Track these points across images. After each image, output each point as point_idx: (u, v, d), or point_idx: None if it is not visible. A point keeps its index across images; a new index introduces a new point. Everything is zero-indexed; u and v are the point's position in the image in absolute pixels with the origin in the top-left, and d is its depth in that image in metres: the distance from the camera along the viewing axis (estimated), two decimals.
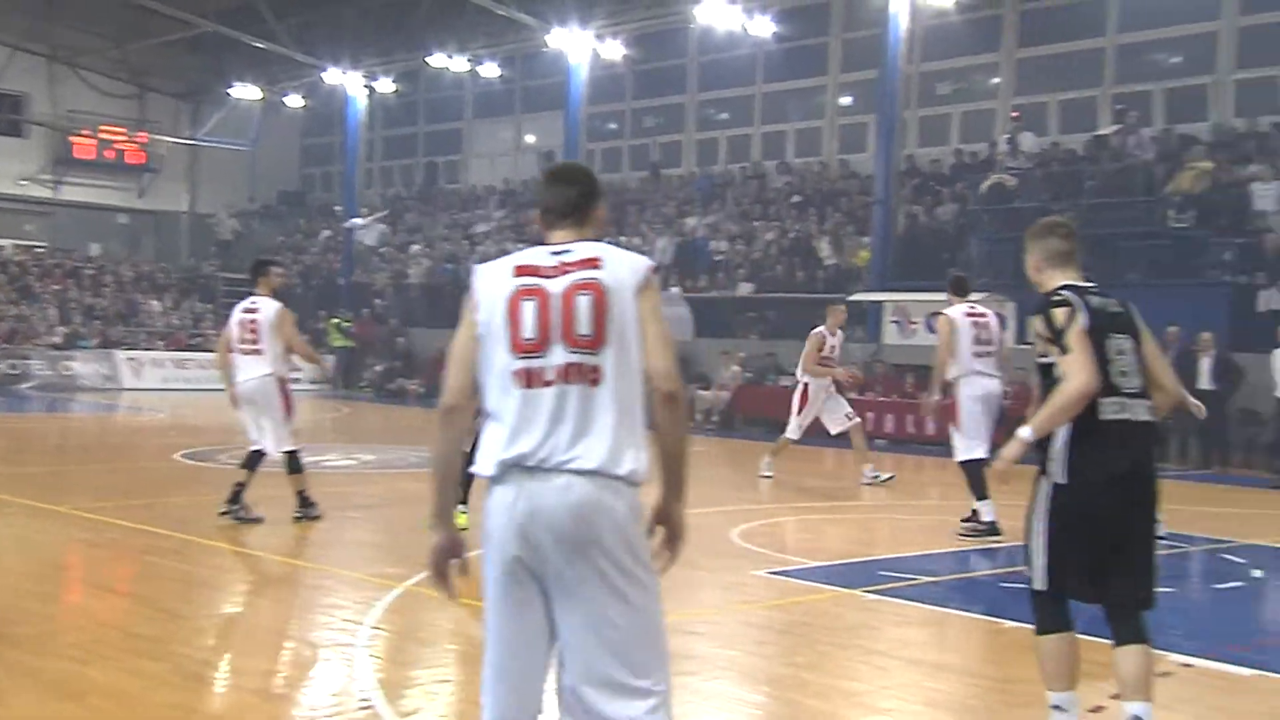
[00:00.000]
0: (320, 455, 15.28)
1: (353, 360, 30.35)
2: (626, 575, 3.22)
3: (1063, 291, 4.58)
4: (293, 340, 9.65)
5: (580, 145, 29.26)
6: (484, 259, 30.75)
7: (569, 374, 3.22)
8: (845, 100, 27.58)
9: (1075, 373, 4.39)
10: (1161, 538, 8.55)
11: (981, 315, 10.27)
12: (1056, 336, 4.48)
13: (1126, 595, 4.49)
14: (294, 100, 35.64)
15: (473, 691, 4.59)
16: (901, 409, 19.87)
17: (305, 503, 9.70)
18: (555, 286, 3.27)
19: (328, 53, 32.54)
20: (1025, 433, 4.49)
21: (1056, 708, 4.50)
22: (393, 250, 33.38)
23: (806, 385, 13.63)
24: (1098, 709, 5.15)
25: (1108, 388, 4.45)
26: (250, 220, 39.42)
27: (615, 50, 27.92)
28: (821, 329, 13.66)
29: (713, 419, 22.21)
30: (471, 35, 30.21)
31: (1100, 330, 4.49)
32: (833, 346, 13.74)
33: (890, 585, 8.00)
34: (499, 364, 3.27)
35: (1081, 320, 4.46)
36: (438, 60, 30.36)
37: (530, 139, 34.19)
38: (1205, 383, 15.38)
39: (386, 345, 30.45)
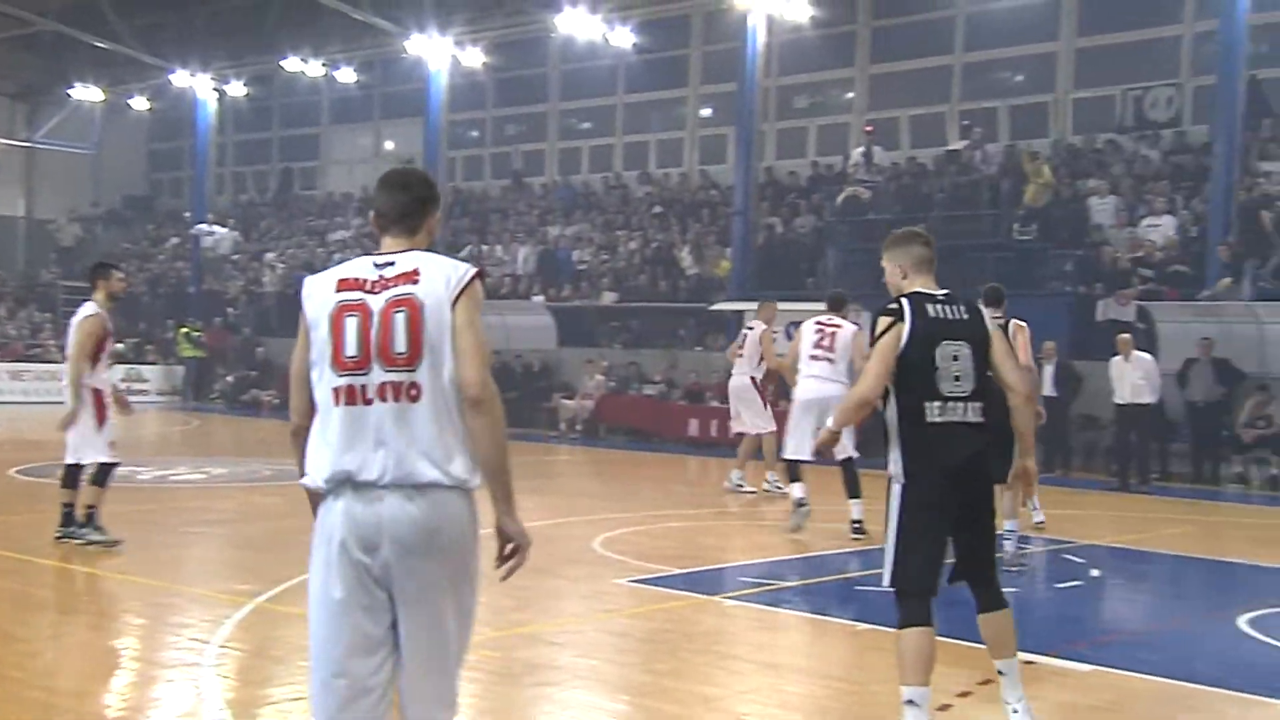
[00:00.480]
0: (167, 469, 14.76)
1: (203, 371, 29.41)
2: (459, 586, 3.33)
3: (900, 300, 4.85)
4: (81, 347, 8.81)
5: (441, 153, 28.95)
6: None
7: (387, 392, 3.27)
8: (706, 112, 27.92)
9: (864, 378, 4.87)
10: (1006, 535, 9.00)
11: (832, 325, 10.82)
12: (874, 340, 4.85)
13: (979, 566, 4.90)
14: (140, 102, 34.40)
15: None
16: None
17: (71, 520, 8.87)
18: (376, 303, 3.31)
19: (175, 54, 31.48)
20: (829, 421, 5.23)
21: (910, 702, 4.65)
22: (246, 258, 32.49)
23: (761, 384, 13.70)
24: (945, 707, 5.29)
25: (932, 392, 4.74)
26: (93, 226, 37.87)
27: (476, 58, 27.70)
28: (764, 326, 13.72)
29: (576, 428, 22.19)
30: (327, 39, 29.61)
31: (931, 337, 4.75)
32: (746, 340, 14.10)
33: (750, 591, 8.09)
34: (324, 380, 3.32)
35: (904, 330, 4.75)
36: (292, 64, 29.67)
37: (390, 146, 33.67)
38: (1048, 389, 15.99)
39: (239, 355, 29.60)
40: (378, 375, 3.28)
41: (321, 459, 3.31)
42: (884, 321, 4.80)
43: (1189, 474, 16.74)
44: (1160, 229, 18.96)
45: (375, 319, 3.29)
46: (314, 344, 3.35)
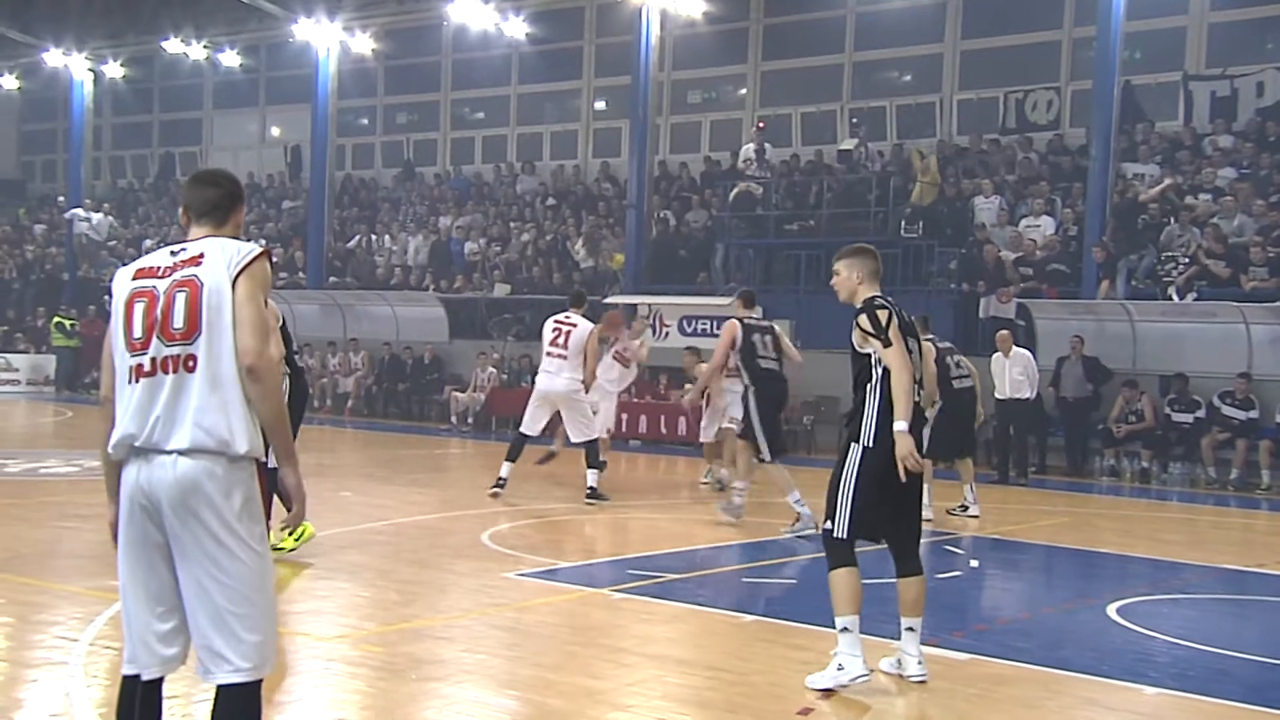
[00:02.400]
0: (38, 462, 14.23)
1: (77, 361, 28.41)
2: (224, 543, 3.58)
3: (881, 298, 5.71)
4: None
5: (329, 139, 28.40)
6: None
7: (168, 365, 3.60)
8: (600, 105, 27.89)
9: (902, 363, 5.55)
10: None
11: (569, 323, 12.18)
12: (879, 332, 5.58)
13: (909, 536, 5.86)
14: (9, 81, 33.09)
15: (204, 706, 4.34)
16: (654, 410, 20.24)
17: None
18: (162, 286, 3.65)
19: (48, 32, 30.35)
20: (900, 425, 5.52)
21: (845, 629, 5.53)
22: (122, 245, 31.45)
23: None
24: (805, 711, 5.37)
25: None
26: None
27: (365, 44, 27.26)
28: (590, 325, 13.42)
29: (468, 421, 21.99)
30: (210, 21, 28.85)
31: (906, 329, 5.72)
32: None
33: (637, 583, 8.11)
34: (120, 361, 3.70)
35: (896, 321, 5.62)
36: (173, 46, 28.82)
37: (276, 132, 32.92)
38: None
39: None
40: (157, 349, 3.61)
41: (116, 430, 3.69)
42: (885, 314, 5.61)
43: (1065, 467, 17.30)
44: (1040, 229, 19.52)
45: (160, 301, 3.63)
46: (111, 328, 3.74)
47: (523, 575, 8.25)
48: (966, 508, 12.22)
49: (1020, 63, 22.63)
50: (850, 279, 5.86)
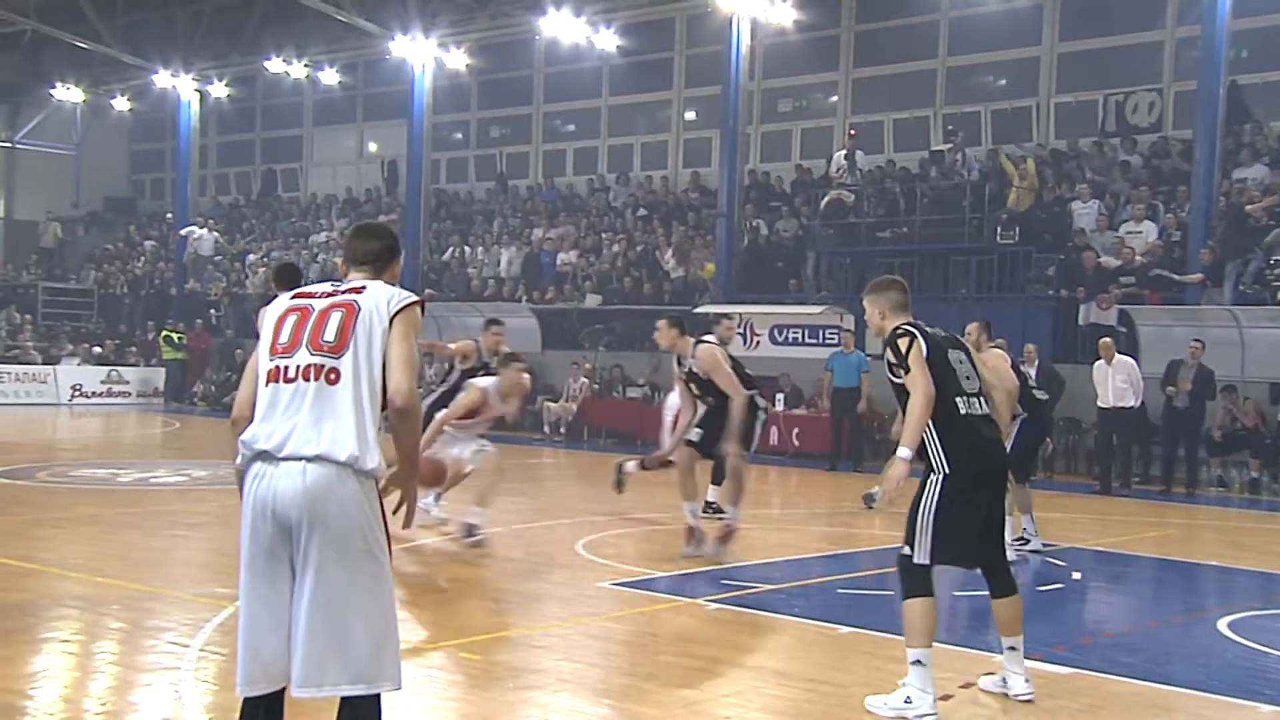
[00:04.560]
0: (148, 472, 14.68)
1: (185, 373, 29.28)
2: (348, 554, 3.59)
3: (904, 326, 5.66)
4: None
5: (425, 155, 28.89)
6: (324, 269, 29.74)
7: (310, 372, 3.64)
8: (690, 115, 27.93)
9: (920, 388, 5.49)
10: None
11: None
12: (900, 362, 5.56)
13: (997, 556, 5.76)
14: (121, 103, 34.26)
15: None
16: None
17: None
18: (318, 305, 3.76)
19: (157, 54, 31.34)
20: (903, 452, 5.47)
21: (918, 662, 5.38)
22: (228, 260, 32.35)
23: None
24: (947, 697, 5.30)
25: (957, 389, 5.58)
26: (74, 227, 37.67)
27: (460, 60, 27.69)
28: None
29: (560, 431, 22.16)
30: (310, 40, 29.54)
31: (940, 350, 5.61)
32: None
33: (732, 594, 8.09)
34: (261, 367, 3.75)
35: (921, 346, 5.54)
36: (275, 65, 29.59)
37: (373, 148, 33.58)
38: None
39: (221, 358, 29.46)
40: (303, 357, 3.65)
41: (248, 433, 3.67)
42: (905, 341, 5.58)
43: (1172, 477, 16.80)
44: (1141, 234, 19.05)
45: (313, 315, 3.72)
46: (260, 342, 3.80)
47: (617, 585, 8.29)
48: (1027, 540, 10.35)
49: (1121, 64, 22.12)
50: (874, 316, 5.87)
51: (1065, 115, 22.73)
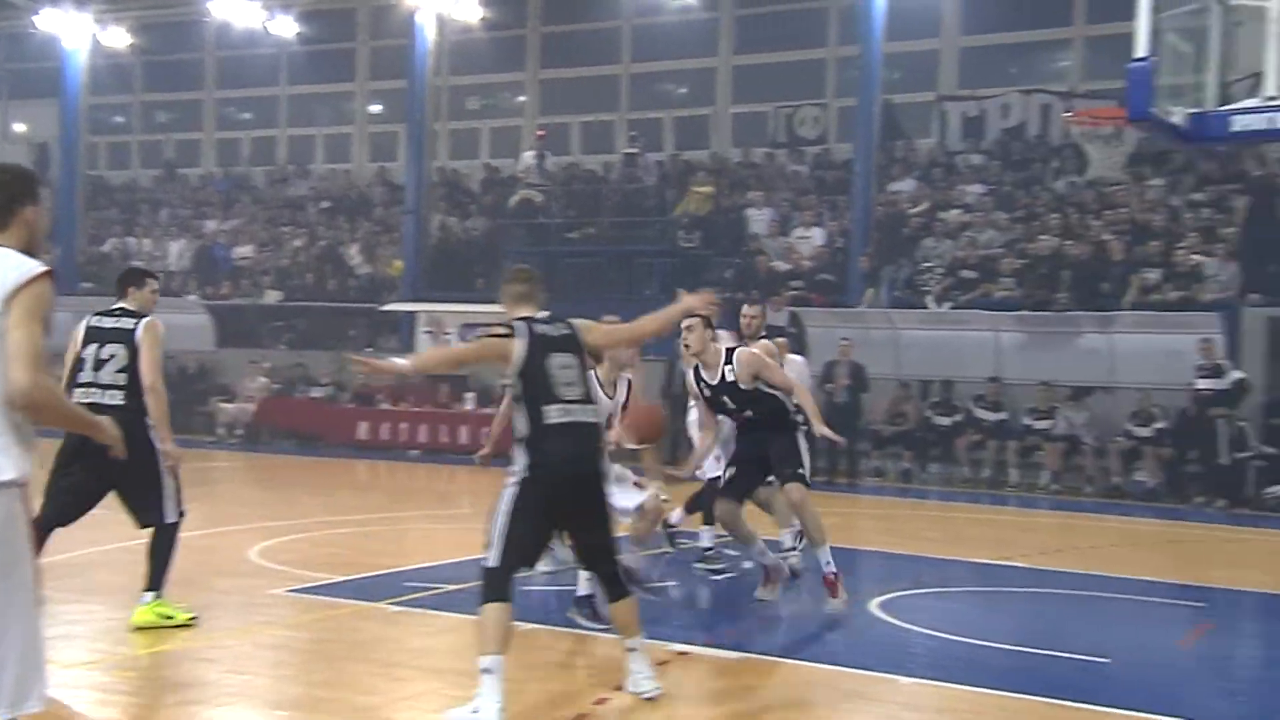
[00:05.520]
0: None
1: None
2: None
3: (512, 323, 5.52)
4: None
5: (80, 138, 26.74)
6: None
7: None
8: (375, 108, 27.33)
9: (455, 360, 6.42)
10: (708, 549, 9.19)
11: None
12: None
13: (605, 561, 5.62)
14: None
15: None
16: (435, 419, 19.96)
17: None
18: None
19: None
20: (401, 363, 5.86)
21: (487, 670, 5.15)
22: None
23: None
24: (602, 700, 5.40)
25: (550, 397, 5.37)
26: None
27: (120, 38, 25.81)
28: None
29: (236, 432, 21.12)
30: None
31: (542, 351, 5.43)
32: None
33: (415, 596, 7.96)
34: None
35: (518, 346, 5.39)
36: None
37: (20, 128, 30.80)
38: None
39: None
40: None
41: None
42: (498, 332, 5.52)
43: (835, 468, 17.94)
44: (809, 240, 20.28)
45: None
46: None
47: (293, 591, 7.98)
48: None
49: (789, 78, 23.45)
50: (505, 306, 5.72)
51: (741, 125, 23.86)
